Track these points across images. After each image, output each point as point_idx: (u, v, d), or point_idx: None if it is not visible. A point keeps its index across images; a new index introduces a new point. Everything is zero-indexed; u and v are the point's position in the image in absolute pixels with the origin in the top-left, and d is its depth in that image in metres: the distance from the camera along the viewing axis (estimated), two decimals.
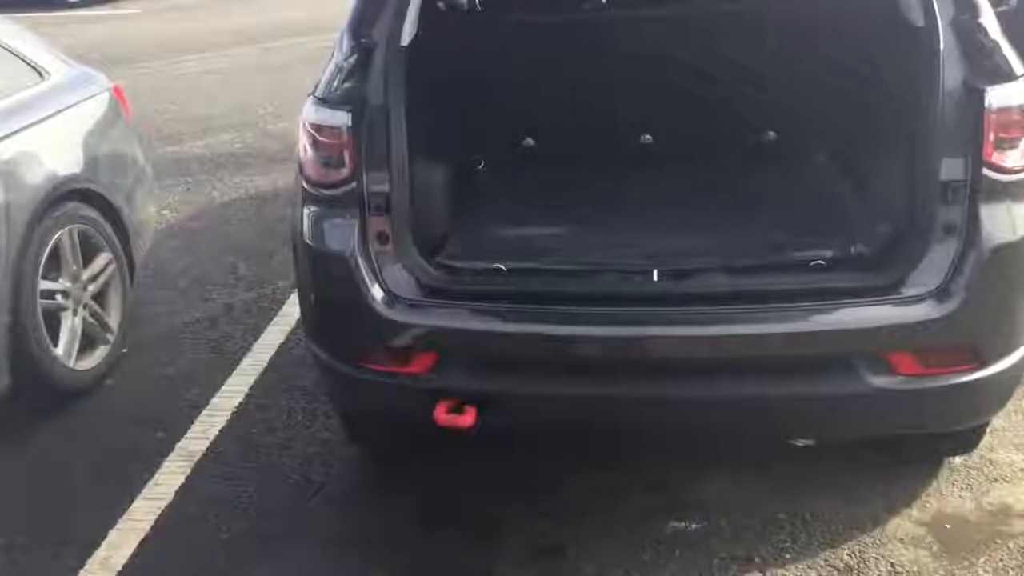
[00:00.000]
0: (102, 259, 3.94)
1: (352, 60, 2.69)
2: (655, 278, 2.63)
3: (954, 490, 3.01)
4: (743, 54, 3.27)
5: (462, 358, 2.62)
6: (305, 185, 2.73)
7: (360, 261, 2.62)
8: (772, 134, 3.49)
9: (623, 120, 3.50)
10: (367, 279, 2.62)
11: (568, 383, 2.56)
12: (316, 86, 2.75)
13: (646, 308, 2.54)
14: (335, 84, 2.68)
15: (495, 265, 2.76)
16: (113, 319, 3.99)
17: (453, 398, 2.59)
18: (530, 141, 3.60)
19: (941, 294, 2.44)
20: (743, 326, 2.47)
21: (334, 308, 2.75)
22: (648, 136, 3.54)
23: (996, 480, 3.05)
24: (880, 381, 2.47)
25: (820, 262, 2.65)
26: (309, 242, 2.72)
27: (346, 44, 2.75)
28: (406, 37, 2.75)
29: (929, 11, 2.55)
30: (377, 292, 2.62)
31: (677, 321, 2.49)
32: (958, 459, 3.10)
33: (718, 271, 2.65)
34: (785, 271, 2.65)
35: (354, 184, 2.64)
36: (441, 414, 2.56)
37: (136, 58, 10.09)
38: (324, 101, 2.68)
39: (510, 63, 3.38)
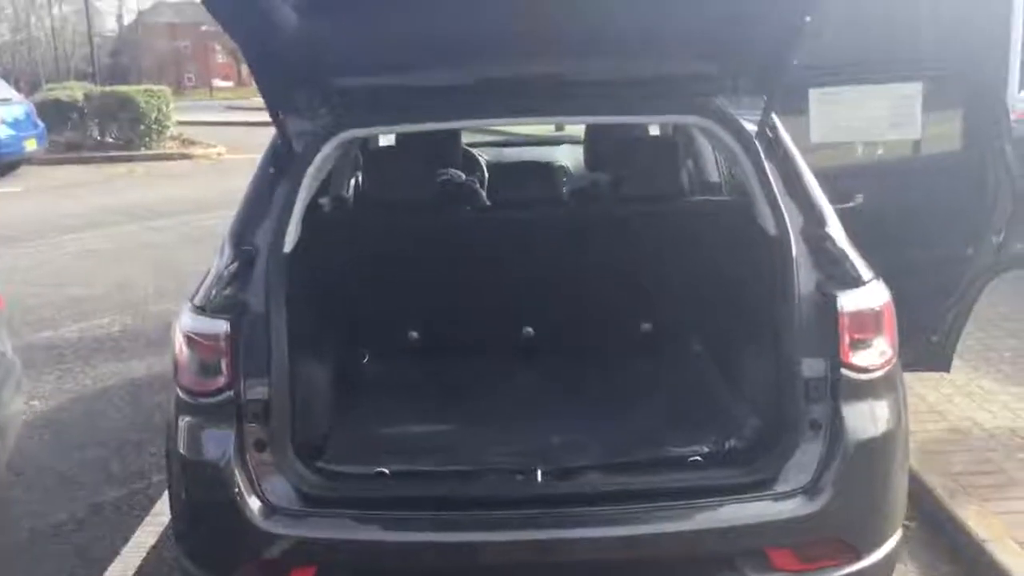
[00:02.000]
0: None
1: (232, 268, 2.70)
2: (539, 478, 2.63)
3: None
4: (618, 253, 3.44)
5: (342, 570, 2.53)
6: (180, 393, 2.67)
7: (236, 471, 2.55)
8: (648, 326, 3.63)
9: (505, 313, 3.59)
10: (243, 489, 2.55)
11: None
12: (195, 293, 2.74)
13: (529, 511, 2.53)
14: (214, 292, 2.68)
15: (377, 469, 2.73)
16: None
17: None
18: (415, 334, 3.64)
19: (812, 490, 2.53)
20: (624, 527, 2.49)
21: (207, 520, 2.64)
22: (530, 328, 3.63)
23: None
24: None
25: (697, 458, 2.72)
26: (183, 451, 2.64)
27: (227, 251, 2.77)
28: (289, 243, 2.79)
29: (780, 221, 2.75)
30: (253, 503, 2.55)
31: (560, 524, 2.49)
32: None
33: (600, 469, 2.68)
34: (664, 468, 2.70)
35: (231, 392, 2.60)
36: None
37: (15, 238, 9.87)
38: (202, 309, 2.67)
39: (395, 260, 3.46)
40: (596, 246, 3.47)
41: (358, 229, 3.47)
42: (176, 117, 20.05)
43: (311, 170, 2.85)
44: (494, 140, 6.13)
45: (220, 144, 19.72)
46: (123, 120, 18.83)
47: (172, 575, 3.58)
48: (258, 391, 2.60)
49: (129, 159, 17.92)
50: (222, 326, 2.60)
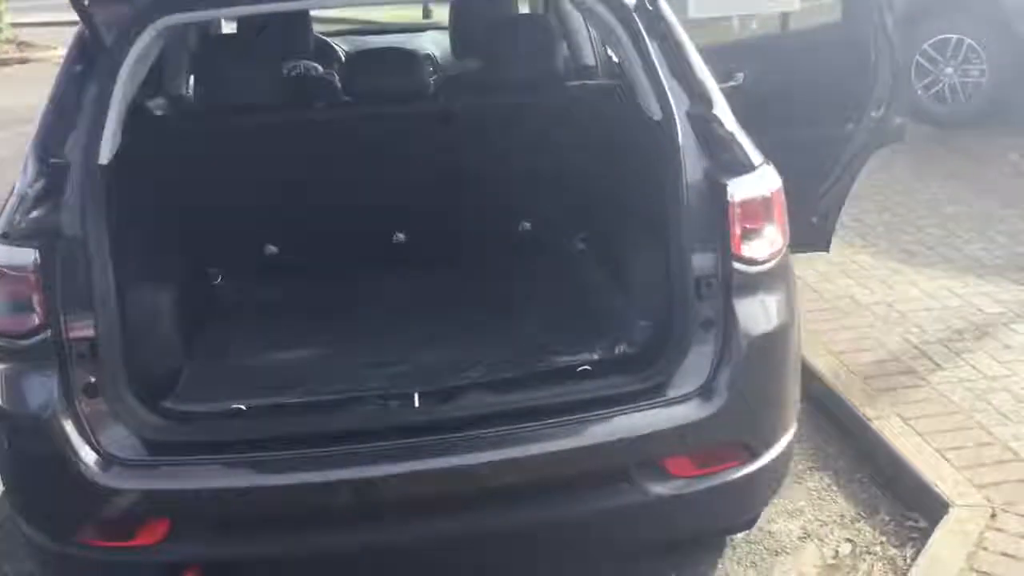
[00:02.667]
0: None
1: (39, 186, 2.30)
2: (416, 403, 2.40)
3: (739, 569, 2.97)
4: (489, 147, 3.15)
5: (201, 522, 2.26)
6: None
7: (64, 420, 2.23)
8: (527, 224, 3.39)
9: (373, 220, 3.28)
10: (74, 441, 2.23)
11: (334, 533, 2.27)
12: None
13: (409, 440, 2.29)
14: (18, 216, 2.28)
15: (232, 405, 2.43)
16: None
17: (197, 569, 2.23)
18: (272, 248, 3.30)
19: (706, 392, 2.37)
20: (511, 449, 2.29)
21: (39, 478, 2.32)
22: (400, 234, 3.33)
23: (778, 553, 3.05)
24: (659, 488, 2.36)
25: (586, 367, 2.53)
26: (2, 403, 2.28)
27: (31, 167, 2.37)
28: (106, 153, 2.39)
29: (664, 104, 2.52)
30: (88, 455, 2.23)
31: (441, 452, 2.27)
32: (739, 535, 3.07)
33: (482, 387, 2.46)
34: (552, 380, 2.50)
35: (48, 332, 2.24)
36: None
37: None
38: (4, 237, 2.27)
39: (241, 166, 3.08)
40: (467, 140, 3.17)
41: (196, 132, 3.07)
42: (9, 19, 18.30)
43: (126, 66, 2.45)
44: (352, 29, 5.66)
45: (62, 46, 18.12)
46: None
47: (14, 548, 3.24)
48: (82, 328, 2.26)
49: None
50: (29, 256, 2.23)
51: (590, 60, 4.22)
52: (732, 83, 3.53)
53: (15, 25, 19.12)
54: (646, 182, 2.69)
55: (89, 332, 2.26)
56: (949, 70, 7.25)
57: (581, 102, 3.15)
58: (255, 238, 3.27)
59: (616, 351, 2.61)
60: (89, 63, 2.48)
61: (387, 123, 3.13)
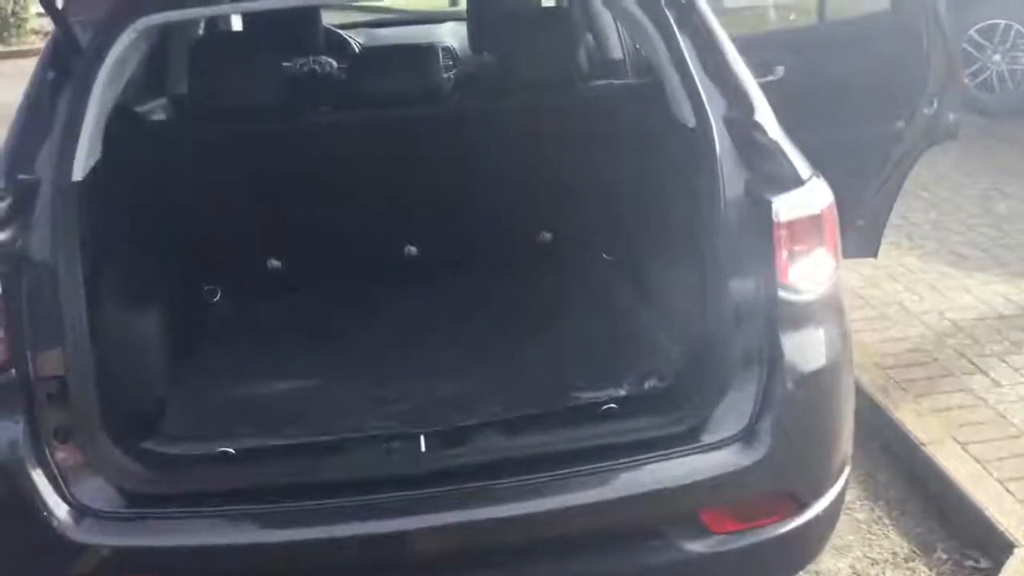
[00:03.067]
0: None
1: (4, 206, 2.07)
2: (422, 446, 2.15)
3: None
4: (507, 152, 2.89)
5: None
6: None
7: (31, 469, 2.01)
8: (547, 235, 3.12)
9: (383, 231, 3.03)
10: (43, 492, 2.00)
11: None
12: None
13: (413, 492, 2.04)
14: None
15: (220, 448, 2.20)
16: None
17: None
18: (275, 263, 3.06)
19: (748, 437, 2.11)
20: (525, 503, 2.02)
21: (5, 532, 2.09)
22: (412, 248, 3.08)
23: None
24: (695, 545, 2.09)
25: (612, 405, 2.26)
26: None
27: None
28: (81, 167, 2.16)
29: (699, 108, 2.25)
30: (58, 508, 2.01)
31: (443, 507, 2.01)
32: None
33: (498, 429, 2.21)
34: (573, 420, 2.24)
35: (13, 371, 2.02)
36: None
37: None
38: None
39: (241, 174, 2.84)
40: (483, 144, 2.91)
41: (190, 138, 2.83)
42: (35, 8, 18.22)
43: (104, 71, 2.21)
44: (368, 20, 5.39)
45: None
46: None
47: None
48: (50, 365, 2.04)
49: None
50: None
51: (617, 54, 3.94)
52: (771, 77, 3.24)
53: (40, 15, 19.10)
54: (679, 194, 2.42)
55: (58, 369, 2.04)
56: (997, 57, 6.94)
57: (607, 103, 2.88)
58: (257, 252, 3.04)
59: (645, 386, 2.35)
60: (63, 69, 2.26)
61: (398, 127, 2.88)
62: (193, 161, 2.78)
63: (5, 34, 17.19)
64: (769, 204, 2.12)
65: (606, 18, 3.94)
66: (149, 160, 2.64)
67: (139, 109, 3.22)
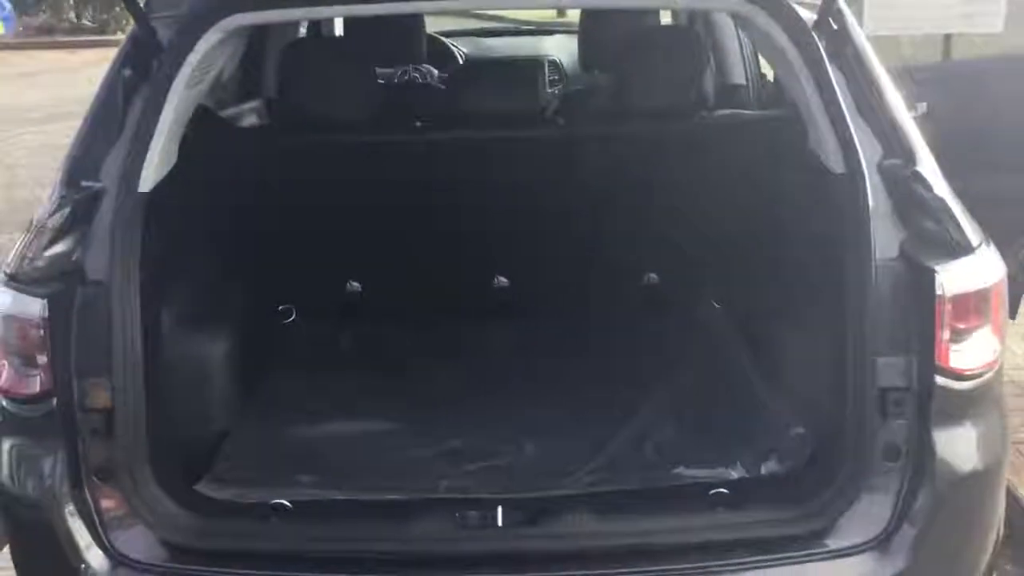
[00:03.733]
0: None
1: (63, 216, 1.88)
2: (498, 519, 1.88)
3: None
4: (614, 182, 2.60)
5: None
6: None
7: (66, 511, 1.81)
8: (653, 276, 2.81)
9: (472, 259, 2.78)
10: (77, 537, 1.81)
11: None
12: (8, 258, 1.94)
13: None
14: (32, 253, 1.87)
15: (275, 500, 1.97)
16: None
17: None
18: (355, 285, 2.83)
19: (886, 546, 1.78)
20: None
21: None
22: (503, 279, 2.82)
23: None
24: None
25: (722, 489, 1.95)
26: (5, 481, 1.89)
27: (57, 192, 1.96)
28: (150, 178, 1.96)
29: (850, 152, 1.92)
30: (93, 556, 1.81)
31: None
32: None
33: (586, 506, 1.92)
34: (677, 505, 1.94)
35: (55, 400, 1.83)
36: None
37: None
38: (13, 279, 1.87)
39: (324, 190, 2.62)
40: (592, 172, 2.62)
41: (272, 149, 2.62)
42: None
43: (183, 74, 2.01)
44: (474, 29, 5.17)
45: None
46: (98, 1, 17.54)
47: None
48: (97, 395, 1.84)
49: (105, 44, 16.66)
50: (35, 306, 1.81)
51: (740, 78, 3.61)
52: (912, 114, 2.88)
53: None
54: (816, 249, 2.10)
55: (106, 402, 1.84)
56: None
57: (733, 137, 2.55)
58: (337, 271, 2.82)
59: (762, 469, 2.03)
60: (140, 68, 2.06)
61: (497, 148, 2.61)
62: (275, 172, 2.57)
63: (125, 22, 17.71)
64: (932, 274, 1.79)
65: (729, 38, 3.62)
66: (228, 169, 2.44)
67: (228, 112, 3.05)
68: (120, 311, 1.85)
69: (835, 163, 1.97)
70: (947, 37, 3.65)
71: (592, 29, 3.45)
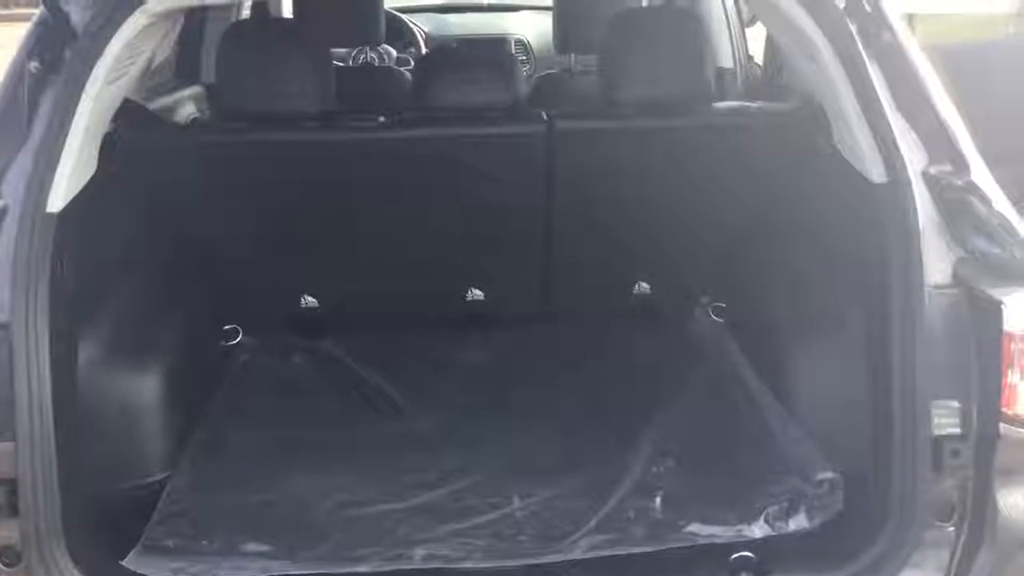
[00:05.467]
0: None
1: None
2: None
3: None
4: (599, 181, 2.29)
5: None
6: None
7: None
8: (644, 286, 2.52)
9: (442, 269, 2.46)
10: None
11: None
12: None
13: None
14: None
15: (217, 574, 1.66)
16: None
17: None
18: (311, 300, 2.51)
19: None
20: None
21: None
22: (477, 291, 2.51)
23: None
24: None
25: (746, 554, 1.68)
26: None
27: None
28: (62, 192, 1.63)
29: (892, 161, 1.65)
30: None
31: None
32: None
33: (587, 574, 1.64)
34: (692, 572, 1.66)
35: None
36: None
37: None
38: None
39: (273, 194, 2.28)
40: (569, 170, 2.31)
41: (210, 148, 2.27)
42: None
43: (104, 63, 1.68)
44: (433, 4, 4.80)
45: None
46: None
47: None
48: None
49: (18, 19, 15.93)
50: None
51: (727, 61, 3.32)
52: None
53: None
54: (850, 268, 1.83)
55: (7, 470, 1.51)
56: None
57: (739, 135, 2.25)
58: (289, 286, 2.49)
59: (789, 523, 1.77)
60: (49, 60, 1.71)
61: (467, 143, 2.29)
62: (215, 174, 2.23)
63: None
64: (998, 306, 1.52)
65: (716, 15, 3.33)
66: (158, 174, 2.10)
67: (161, 103, 2.69)
68: (25, 357, 1.53)
69: (873, 170, 1.70)
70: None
71: (570, 5, 3.13)
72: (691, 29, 2.34)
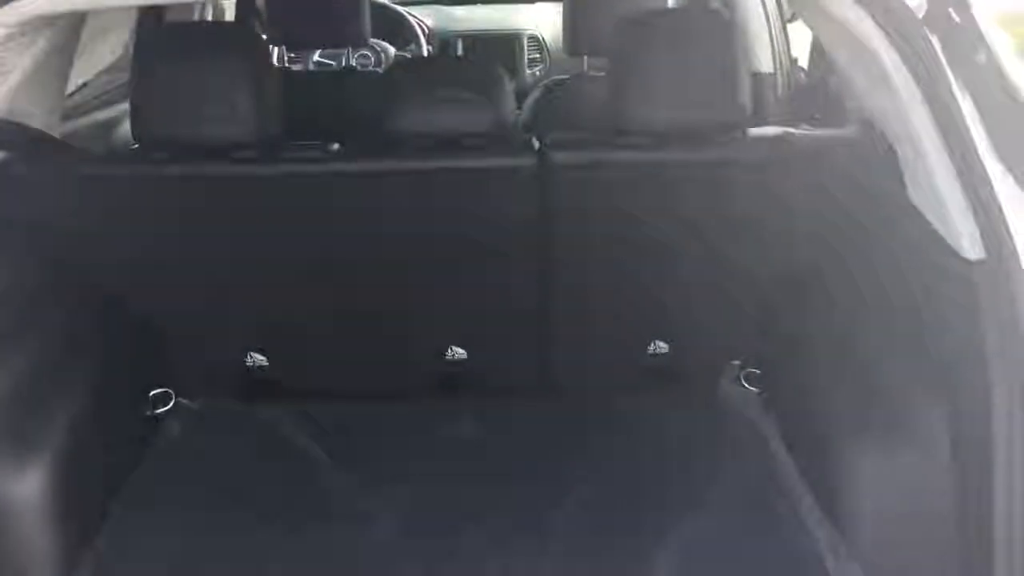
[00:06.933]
0: None
1: None
2: None
3: None
4: (613, 224, 1.86)
5: None
6: None
7: None
8: (662, 345, 2.09)
9: (418, 323, 2.05)
10: None
11: None
12: None
13: None
14: None
15: None
16: None
17: None
18: (259, 358, 2.10)
19: None
20: None
21: None
22: (460, 350, 2.09)
23: None
24: None
25: None
26: None
27: None
28: None
29: (994, 228, 1.20)
30: None
31: None
32: None
33: None
34: None
35: None
36: None
37: None
38: None
39: (211, 235, 1.88)
40: (570, 210, 1.87)
41: (135, 183, 1.86)
42: None
43: None
44: None
45: None
46: None
47: None
48: None
49: None
50: None
51: (766, 66, 2.85)
52: None
53: None
54: (927, 358, 1.40)
55: None
56: None
57: (779, 170, 1.78)
58: (231, 342, 2.09)
59: None
60: None
61: (440, 178, 1.85)
62: (132, 213, 1.82)
63: None
64: None
65: (753, 18, 2.87)
66: (59, 214, 1.71)
67: (94, 119, 2.30)
68: None
69: (965, 239, 1.25)
70: None
71: (581, 5, 2.68)
72: (723, 37, 1.87)
